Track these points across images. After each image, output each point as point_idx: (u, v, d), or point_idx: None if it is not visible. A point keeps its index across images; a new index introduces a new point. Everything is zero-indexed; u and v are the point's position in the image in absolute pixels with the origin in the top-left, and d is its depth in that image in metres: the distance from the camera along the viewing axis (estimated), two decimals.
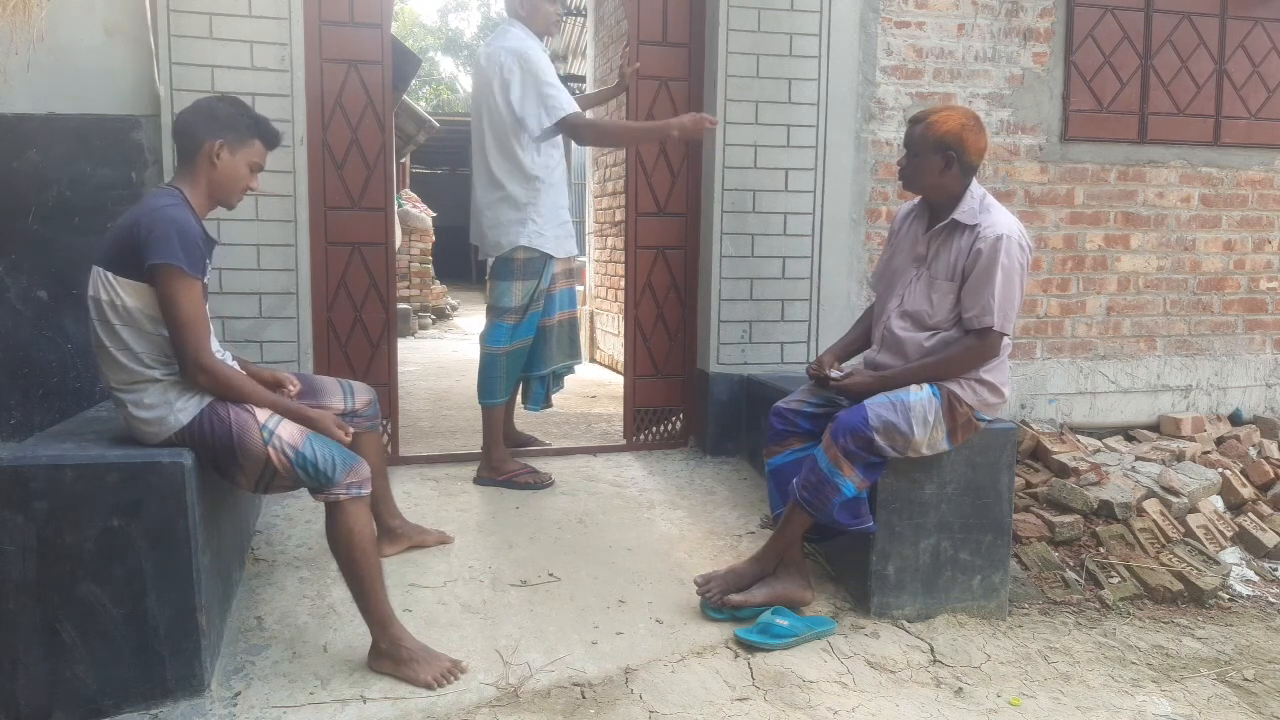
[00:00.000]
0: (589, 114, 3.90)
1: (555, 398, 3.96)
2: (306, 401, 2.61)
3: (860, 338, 3.05)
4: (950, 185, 2.74)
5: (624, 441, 4.22)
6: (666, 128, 3.46)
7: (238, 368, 2.44)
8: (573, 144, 4.41)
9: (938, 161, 2.70)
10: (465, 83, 28.14)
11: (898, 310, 2.84)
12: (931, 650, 2.69)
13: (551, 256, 3.58)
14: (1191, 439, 4.38)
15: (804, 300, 4.07)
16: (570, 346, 3.83)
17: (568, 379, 4.01)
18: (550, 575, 2.93)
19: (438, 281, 11.36)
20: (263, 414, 2.31)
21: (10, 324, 3.41)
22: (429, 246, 11.01)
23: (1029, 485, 3.87)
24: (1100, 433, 4.50)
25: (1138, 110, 4.48)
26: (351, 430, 2.48)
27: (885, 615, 2.83)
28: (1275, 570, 3.51)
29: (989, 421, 2.83)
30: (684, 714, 2.28)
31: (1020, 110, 4.34)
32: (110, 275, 2.21)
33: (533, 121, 3.43)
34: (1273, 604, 3.27)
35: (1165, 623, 3.07)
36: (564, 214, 3.64)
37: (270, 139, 2.42)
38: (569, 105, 3.45)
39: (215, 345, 2.36)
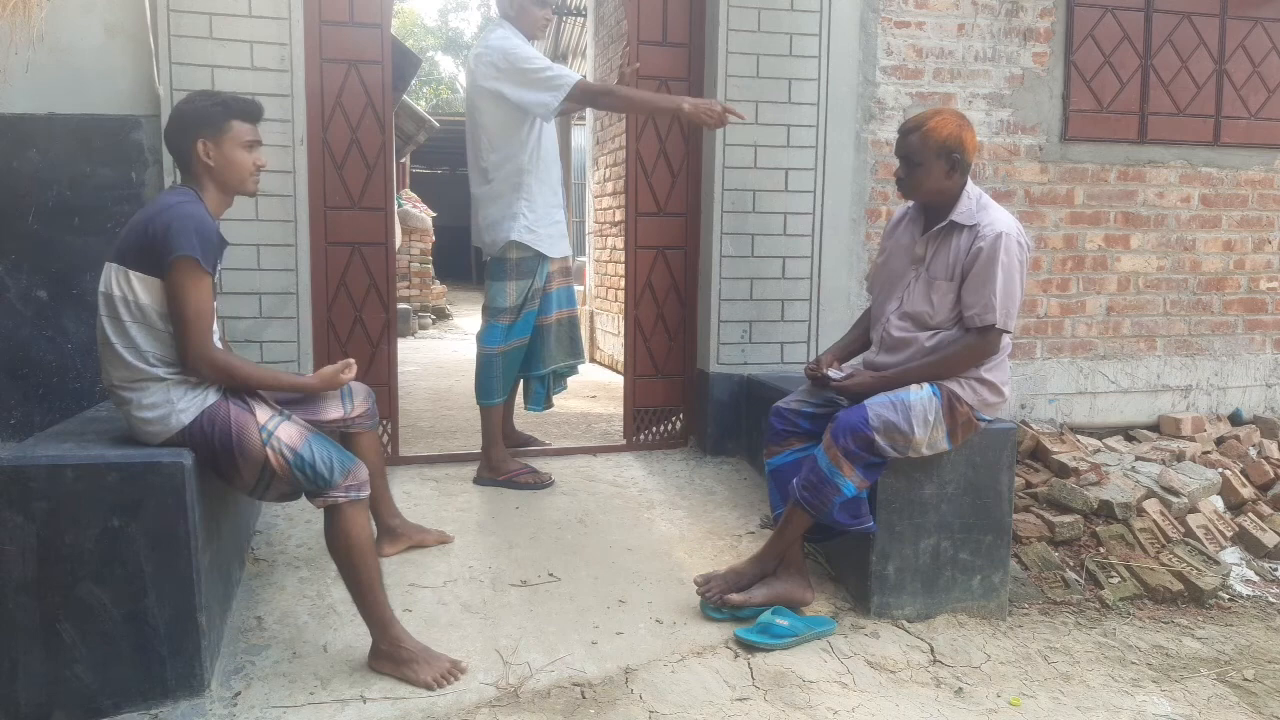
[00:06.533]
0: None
1: (555, 398, 3.95)
2: (304, 403, 2.62)
3: (859, 338, 3.05)
4: (953, 188, 2.74)
5: (624, 441, 4.22)
6: (679, 104, 3.40)
7: None
8: (571, 145, 4.39)
9: (942, 166, 2.70)
10: (464, 83, 28.12)
11: (897, 312, 2.84)
12: (931, 650, 2.69)
13: (545, 255, 3.57)
14: (1191, 439, 4.38)
15: (804, 300, 4.07)
16: (571, 345, 3.82)
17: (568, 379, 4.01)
18: (550, 575, 2.93)
19: (438, 281, 11.36)
20: (263, 415, 2.32)
21: (10, 324, 3.41)
22: (429, 246, 11.01)
23: (1029, 485, 3.87)
24: (1100, 433, 4.50)
25: (1138, 110, 4.48)
26: (352, 364, 2.52)
27: (885, 615, 2.84)
28: (1275, 570, 3.51)
29: (989, 421, 2.83)
30: (684, 714, 2.28)
31: (1020, 110, 4.34)
32: (126, 271, 2.22)
33: (540, 106, 3.39)
34: (1273, 604, 3.27)
35: (1165, 623, 3.07)
36: (558, 214, 3.63)
37: (248, 113, 2.37)
38: (571, 75, 3.42)
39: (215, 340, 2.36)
